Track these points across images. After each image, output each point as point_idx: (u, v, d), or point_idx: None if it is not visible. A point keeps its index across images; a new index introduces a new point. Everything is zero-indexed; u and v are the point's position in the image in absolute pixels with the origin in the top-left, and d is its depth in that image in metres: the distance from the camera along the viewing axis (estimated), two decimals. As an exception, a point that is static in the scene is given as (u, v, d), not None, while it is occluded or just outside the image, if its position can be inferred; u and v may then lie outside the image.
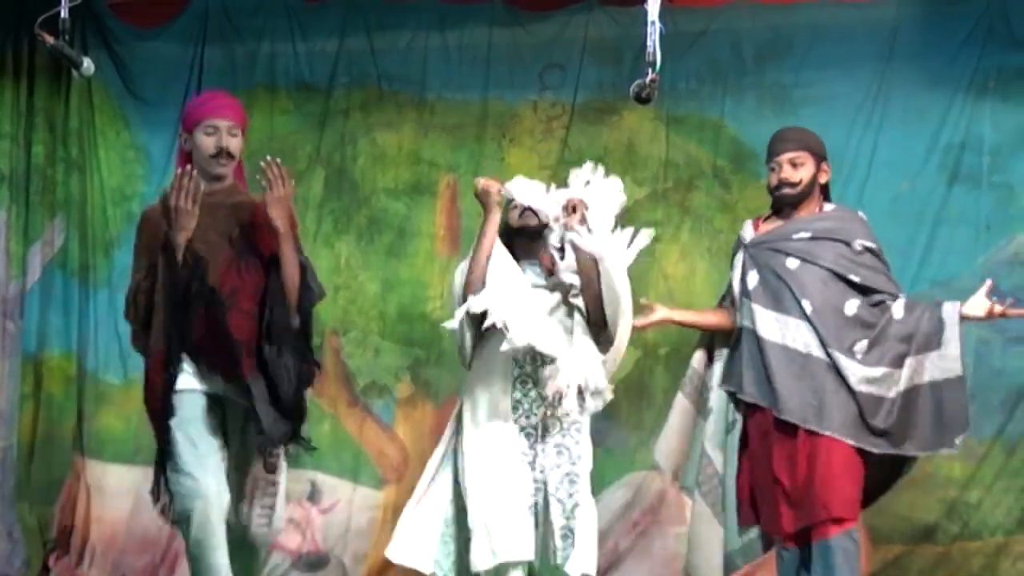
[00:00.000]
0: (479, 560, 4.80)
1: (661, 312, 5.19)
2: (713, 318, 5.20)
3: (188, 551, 4.63)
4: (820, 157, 5.00)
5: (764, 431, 4.95)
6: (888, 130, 6.19)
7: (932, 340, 4.86)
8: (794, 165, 4.96)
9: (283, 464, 4.71)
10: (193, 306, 4.59)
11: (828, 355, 4.85)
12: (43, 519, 6.56)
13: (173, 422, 4.60)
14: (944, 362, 4.85)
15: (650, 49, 4.75)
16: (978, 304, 4.94)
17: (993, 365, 6.10)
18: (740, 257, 5.09)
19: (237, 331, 4.65)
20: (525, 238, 5.05)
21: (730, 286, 5.21)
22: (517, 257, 5.05)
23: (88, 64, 5.00)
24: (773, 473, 4.87)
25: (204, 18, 6.67)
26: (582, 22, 6.45)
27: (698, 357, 5.28)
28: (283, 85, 6.71)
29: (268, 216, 4.58)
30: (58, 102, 6.78)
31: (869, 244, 4.95)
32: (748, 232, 5.11)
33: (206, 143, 4.65)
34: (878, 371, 4.84)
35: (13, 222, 6.72)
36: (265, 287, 4.71)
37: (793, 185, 4.95)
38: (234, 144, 4.68)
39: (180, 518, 4.61)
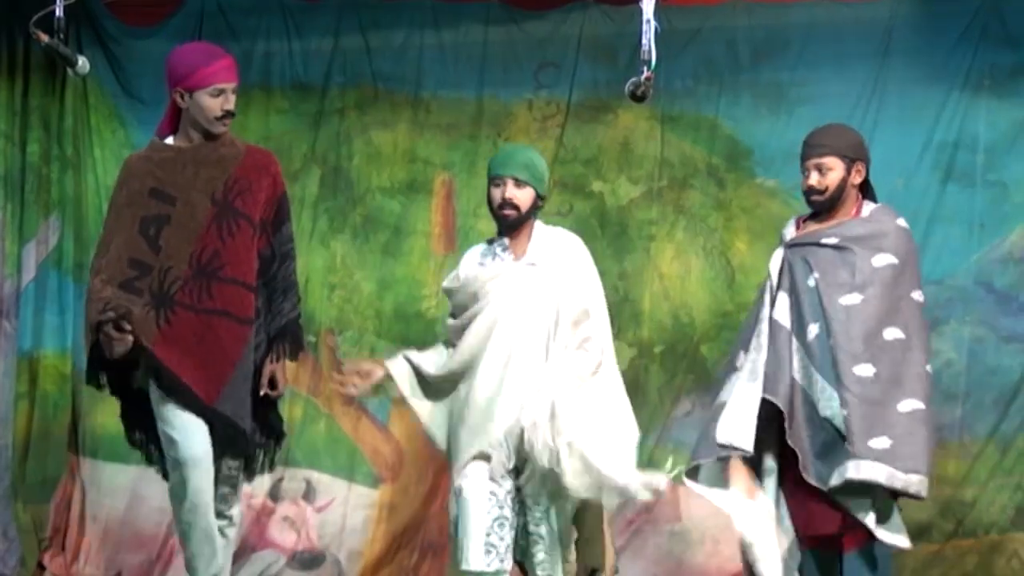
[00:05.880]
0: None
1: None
2: None
3: (180, 518, 4.70)
4: (851, 158, 4.83)
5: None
6: (883, 128, 6.19)
7: None
8: (821, 171, 4.81)
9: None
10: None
11: (825, 379, 4.81)
12: (38, 517, 6.55)
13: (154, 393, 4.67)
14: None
15: (645, 47, 4.74)
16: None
17: (987, 363, 6.11)
18: (780, 254, 4.95)
19: (223, 304, 4.66)
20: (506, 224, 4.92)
21: (767, 282, 5.01)
22: (494, 244, 4.94)
23: (83, 63, 5.00)
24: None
25: (199, 17, 6.67)
26: (577, 20, 6.46)
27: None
28: (278, 84, 6.72)
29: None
30: (53, 101, 6.78)
31: (892, 260, 4.82)
32: (790, 231, 4.98)
33: (212, 105, 4.66)
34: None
35: (8, 221, 6.72)
36: (275, 271, 4.79)
37: (820, 192, 4.83)
38: (234, 103, 4.73)
39: (172, 487, 4.70)
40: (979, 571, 6.05)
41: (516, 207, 4.83)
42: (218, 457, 4.72)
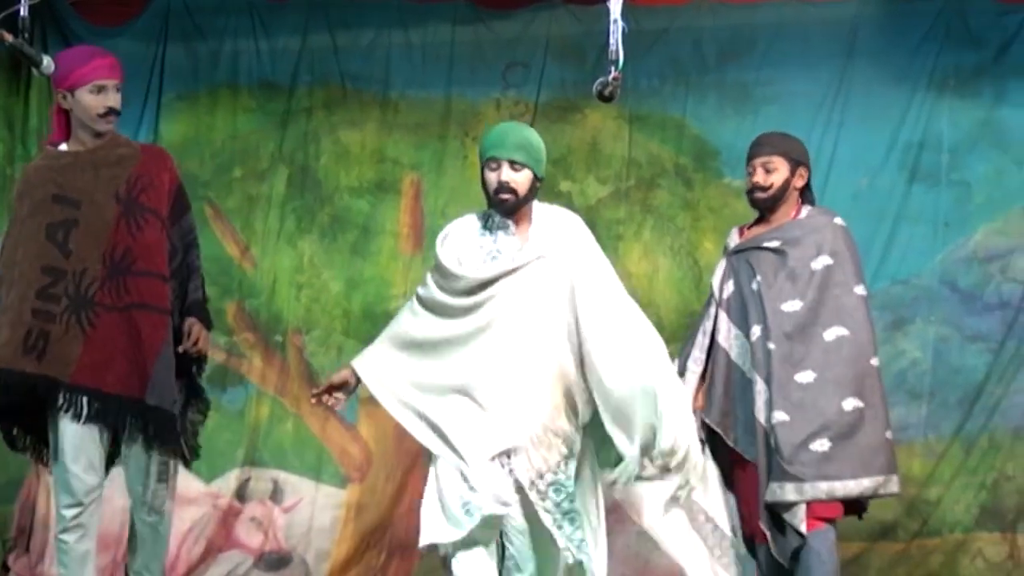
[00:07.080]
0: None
1: None
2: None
3: (58, 538, 4.74)
4: (796, 162, 4.99)
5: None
6: (848, 128, 6.25)
7: None
8: (767, 170, 4.97)
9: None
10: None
11: (764, 381, 4.87)
12: (2, 518, 6.52)
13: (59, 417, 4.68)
14: None
15: (612, 47, 4.74)
16: None
17: (951, 363, 6.15)
18: (722, 264, 5.09)
19: (140, 297, 4.67)
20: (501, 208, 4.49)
21: (711, 293, 5.12)
22: (493, 221, 4.53)
23: (48, 62, 4.95)
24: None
25: (166, 16, 6.65)
26: (545, 20, 6.47)
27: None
28: (246, 83, 6.70)
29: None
30: (17, 101, 6.75)
31: (828, 261, 4.92)
32: (733, 239, 5.11)
33: (94, 103, 4.69)
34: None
35: (-28, 221, 6.69)
36: (180, 261, 4.82)
37: (764, 189, 4.98)
38: (118, 100, 4.76)
39: (61, 509, 4.72)
40: (944, 570, 6.08)
41: (514, 191, 4.42)
42: (148, 450, 4.74)
